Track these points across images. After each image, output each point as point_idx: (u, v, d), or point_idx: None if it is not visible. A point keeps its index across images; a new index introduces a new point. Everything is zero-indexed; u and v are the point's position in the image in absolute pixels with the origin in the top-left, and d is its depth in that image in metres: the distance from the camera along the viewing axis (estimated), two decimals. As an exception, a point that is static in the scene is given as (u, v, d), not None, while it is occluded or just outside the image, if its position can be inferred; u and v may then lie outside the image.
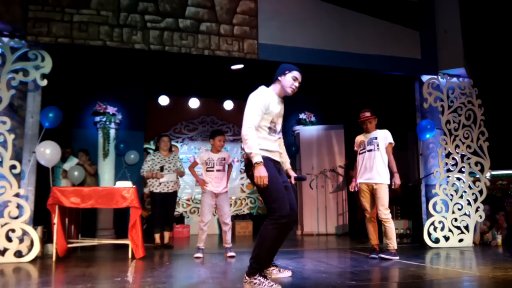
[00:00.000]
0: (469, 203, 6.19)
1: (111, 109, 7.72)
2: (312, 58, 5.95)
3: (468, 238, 6.12)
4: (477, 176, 6.35)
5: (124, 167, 7.94)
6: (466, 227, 6.14)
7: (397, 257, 4.79)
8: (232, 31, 5.66)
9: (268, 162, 3.28)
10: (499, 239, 6.30)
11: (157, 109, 9.04)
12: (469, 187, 6.24)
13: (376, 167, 5.02)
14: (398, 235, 6.55)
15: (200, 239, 5.17)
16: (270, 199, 3.23)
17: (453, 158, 6.24)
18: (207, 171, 5.26)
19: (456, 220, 6.12)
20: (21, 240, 4.83)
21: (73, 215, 5.76)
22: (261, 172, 3.14)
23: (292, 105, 8.02)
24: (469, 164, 6.28)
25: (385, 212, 4.92)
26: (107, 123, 7.66)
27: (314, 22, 6.05)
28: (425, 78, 6.46)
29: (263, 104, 3.33)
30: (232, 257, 5.05)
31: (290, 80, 3.47)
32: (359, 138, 5.35)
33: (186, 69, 7.94)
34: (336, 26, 6.14)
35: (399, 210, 6.82)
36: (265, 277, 3.14)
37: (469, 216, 6.16)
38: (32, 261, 4.76)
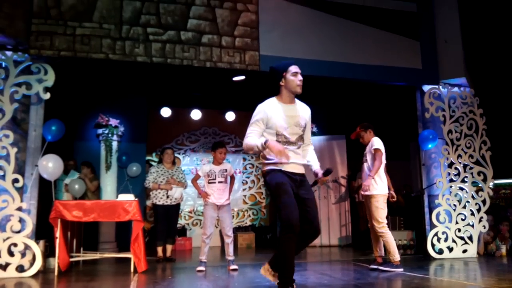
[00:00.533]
0: (472, 213, 6.15)
1: (113, 121, 7.74)
2: (313, 69, 5.97)
3: (472, 249, 6.08)
4: (480, 185, 6.32)
5: (127, 180, 7.93)
6: (470, 238, 6.10)
7: (401, 269, 4.69)
8: (233, 43, 5.69)
9: (277, 173, 3.22)
10: (503, 249, 6.25)
11: (159, 120, 9.06)
12: (472, 197, 6.21)
13: (364, 179, 4.98)
14: (401, 246, 6.52)
15: (202, 252, 5.13)
16: (278, 208, 3.21)
17: (456, 168, 6.22)
18: (209, 183, 5.25)
19: (459, 230, 6.08)
20: (23, 255, 4.80)
21: (75, 229, 5.74)
22: (275, 146, 3.07)
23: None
24: (471, 173, 6.26)
25: (378, 226, 4.80)
26: (110, 135, 7.67)
27: (314, 33, 6.08)
28: (426, 88, 6.47)
29: (260, 117, 3.26)
30: (234, 270, 5.01)
31: (292, 79, 3.32)
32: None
33: (188, 81, 7.98)
34: (336, 37, 6.17)
35: (402, 221, 6.79)
36: None
37: (472, 226, 6.12)
38: (34, 276, 4.73)
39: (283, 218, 3.15)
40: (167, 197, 6.15)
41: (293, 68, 3.35)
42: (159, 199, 6.14)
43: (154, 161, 9.11)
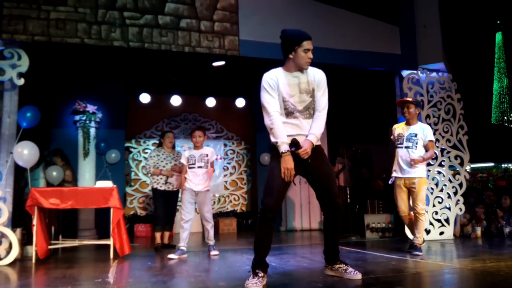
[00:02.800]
0: (449, 196, 6.28)
1: (91, 108, 7.60)
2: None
3: (449, 231, 6.21)
4: (457, 169, 6.45)
5: (105, 167, 7.84)
6: (447, 220, 6.23)
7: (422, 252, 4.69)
8: (212, 27, 5.62)
9: (277, 156, 3.19)
10: (478, 231, 6.41)
11: (138, 107, 8.94)
12: (449, 180, 6.33)
13: (405, 164, 4.91)
14: (380, 229, 6.65)
15: (181, 238, 5.03)
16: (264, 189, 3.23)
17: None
18: (189, 168, 5.19)
19: (436, 213, 6.20)
20: (-1, 243, 4.73)
21: (53, 216, 5.67)
22: (286, 164, 3.09)
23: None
24: (449, 157, 6.37)
25: (423, 207, 4.87)
26: (87, 122, 7.53)
27: (295, 18, 6.05)
28: (405, 73, 6.52)
29: (268, 84, 3.23)
30: (215, 255, 5.00)
31: (302, 55, 3.20)
32: (398, 130, 5.12)
33: (167, 66, 7.87)
34: (316, 22, 6.14)
35: (381, 204, 6.89)
36: (255, 274, 3.08)
37: (449, 209, 6.25)
38: (11, 264, 4.66)
39: (262, 201, 3.23)
40: (166, 183, 5.87)
41: (306, 44, 3.21)
42: (161, 184, 5.84)
43: (134, 148, 9.02)
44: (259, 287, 2.98)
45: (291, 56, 3.25)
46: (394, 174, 5.03)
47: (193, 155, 5.23)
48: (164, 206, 5.86)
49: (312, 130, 3.25)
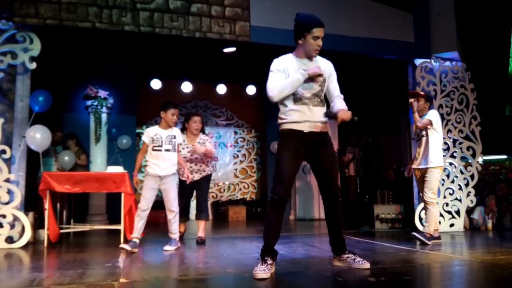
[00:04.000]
0: (460, 188, 6.22)
1: (102, 93, 7.63)
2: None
3: (459, 223, 6.16)
4: (469, 161, 6.37)
5: (117, 152, 7.89)
6: (457, 212, 6.18)
7: (430, 243, 4.69)
8: (223, 12, 5.57)
9: (288, 140, 3.20)
10: (489, 223, 6.35)
11: (149, 93, 8.96)
12: (461, 171, 6.26)
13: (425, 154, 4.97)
14: (390, 219, 6.62)
15: (135, 228, 4.49)
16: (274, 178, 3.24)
17: (445, 143, 6.24)
18: (154, 150, 4.51)
19: (447, 205, 6.16)
20: (12, 226, 4.80)
21: (64, 201, 5.73)
22: (312, 70, 3.11)
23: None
24: (461, 149, 6.30)
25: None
26: (99, 107, 7.57)
27: (306, 4, 5.94)
28: (418, 61, 6.43)
29: (276, 67, 3.24)
30: (167, 251, 4.36)
31: (311, 42, 3.17)
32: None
33: (178, 52, 7.86)
34: (328, 9, 6.06)
35: (391, 195, 6.85)
36: (264, 261, 3.08)
37: (460, 201, 6.19)
38: (24, 247, 4.74)
39: (272, 189, 3.23)
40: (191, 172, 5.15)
41: (316, 32, 3.15)
42: (180, 175, 5.17)
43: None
44: (267, 274, 2.98)
45: (300, 42, 3.24)
46: (412, 166, 5.16)
47: (159, 136, 4.55)
48: (184, 195, 5.21)
49: (338, 105, 3.30)
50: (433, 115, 4.94)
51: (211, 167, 5.36)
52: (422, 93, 5.11)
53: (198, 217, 5.23)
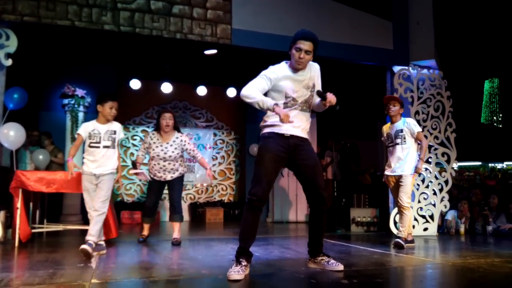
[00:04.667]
0: (434, 193, 6.33)
1: (80, 92, 7.53)
2: (286, 45, 5.85)
3: (433, 227, 6.27)
4: (444, 167, 6.50)
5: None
6: (431, 216, 6.29)
7: (405, 246, 4.74)
8: (205, 14, 5.57)
9: (268, 143, 3.23)
10: (462, 227, 6.48)
11: (128, 92, 8.87)
12: (435, 177, 6.38)
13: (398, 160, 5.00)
14: (365, 223, 6.70)
15: (91, 231, 4.00)
16: (252, 179, 3.24)
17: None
18: (91, 147, 4.09)
19: (421, 209, 6.26)
20: (-18, 225, 4.69)
21: (37, 200, 5.62)
22: (281, 110, 3.08)
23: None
24: (436, 154, 6.42)
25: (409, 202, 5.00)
26: (76, 106, 7.47)
27: (288, 9, 6.02)
28: (396, 68, 6.54)
29: (269, 74, 3.26)
30: (85, 251, 3.83)
31: (294, 53, 3.24)
32: (386, 130, 5.20)
33: (158, 52, 7.80)
34: (310, 14, 6.12)
35: (367, 198, 6.93)
36: (238, 262, 3.08)
37: (434, 205, 6.30)
38: (-6, 246, 4.64)
39: (249, 190, 3.24)
40: (160, 171, 5.09)
41: (298, 43, 3.22)
42: (153, 175, 5.12)
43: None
44: (241, 276, 2.98)
45: (289, 53, 3.32)
46: (386, 172, 5.13)
47: (97, 131, 4.12)
48: (154, 195, 5.18)
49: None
50: (417, 125, 5.03)
51: (185, 167, 5.27)
52: (397, 97, 5.17)
53: (172, 218, 5.12)
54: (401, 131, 4.98)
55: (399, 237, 4.87)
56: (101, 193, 4.07)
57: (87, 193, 4.14)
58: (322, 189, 3.33)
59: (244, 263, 3.10)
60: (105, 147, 4.11)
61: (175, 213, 5.09)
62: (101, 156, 4.10)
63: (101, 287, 2.78)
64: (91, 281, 2.90)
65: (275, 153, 3.22)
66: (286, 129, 3.24)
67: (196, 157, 5.17)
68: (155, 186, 5.15)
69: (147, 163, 5.24)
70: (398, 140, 4.98)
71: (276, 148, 3.23)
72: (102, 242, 4.26)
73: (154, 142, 4.98)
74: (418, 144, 5.02)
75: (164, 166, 5.03)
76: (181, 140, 5.06)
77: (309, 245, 3.44)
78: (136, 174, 5.21)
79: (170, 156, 4.99)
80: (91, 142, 4.10)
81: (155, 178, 5.09)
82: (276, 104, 3.13)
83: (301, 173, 3.34)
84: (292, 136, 3.26)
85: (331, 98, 3.23)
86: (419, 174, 6.22)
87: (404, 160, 4.92)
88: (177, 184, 5.13)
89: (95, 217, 4.02)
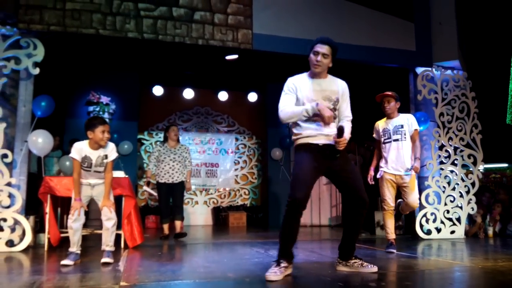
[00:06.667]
0: (461, 195, 6.22)
1: (104, 99, 7.67)
2: (306, 48, 5.87)
3: (460, 230, 6.15)
4: (470, 169, 6.38)
5: (118, 158, 7.89)
6: (458, 219, 6.17)
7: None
8: (226, 20, 5.62)
9: (305, 151, 3.25)
10: (490, 231, 6.33)
11: (151, 99, 9.01)
12: (462, 179, 6.27)
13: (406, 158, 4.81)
14: (390, 226, 6.59)
15: (72, 241, 4.00)
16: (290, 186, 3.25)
17: (446, 151, 6.25)
18: (82, 169, 4.00)
19: (448, 212, 6.15)
20: (12, 230, 4.81)
21: (65, 205, 5.73)
22: (324, 109, 3.13)
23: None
24: (462, 156, 6.31)
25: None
26: (101, 113, 7.61)
27: (308, 12, 6.02)
28: (419, 70, 6.47)
29: (289, 88, 3.30)
30: (106, 263, 3.89)
31: (311, 56, 3.30)
32: (381, 125, 5.01)
33: (180, 59, 7.90)
34: (330, 17, 6.11)
35: (392, 201, 6.83)
36: (278, 264, 3.12)
37: (461, 208, 6.19)
38: (24, 251, 4.75)
39: (289, 193, 3.22)
40: (165, 175, 6.05)
41: (316, 47, 3.28)
42: (161, 177, 6.04)
43: (146, 140, 9.09)
44: (278, 277, 3.00)
45: (309, 58, 3.33)
46: (383, 169, 4.89)
47: (88, 157, 3.98)
48: (166, 198, 6.08)
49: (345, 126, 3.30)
50: (415, 119, 4.90)
51: (185, 174, 6.23)
52: (390, 93, 4.89)
53: (177, 218, 6.07)
54: (402, 126, 4.79)
55: (392, 243, 4.73)
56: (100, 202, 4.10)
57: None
58: (363, 191, 3.32)
59: (284, 264, 3.13)
60: (96, 172, 4.01)
61: (178, 214, 6.08)
62: (93, 176, 4.05)
63: (129, 290, 2.81)
64: (120, 283, 2.94)
65: (313, 160, 3.23)
66: (319, 140, 3.26)
67: (187, 166, 6.22)
68: (164, 189, 6.07)
69: (156, 167, 6.15)
70: (397, 136, 4.78)
71: (314, 157, 3.24)
72: (79, 252, 4.07)
73: (164, 149, 6.15)
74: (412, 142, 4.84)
75: (173, 166, 6.07)
76: (185, 148, 6.30)
77: (342, 247, 3.43)
78: (149, 191, 6.29)
79: (179, 157, 6.12)
80: (82, 166, 3.97)
81: (163, 181, 6.04)
82: (317, 104, 3.17)
83: (340, 178, 3.33)
84: (327, 146, 3.26)
85: (343, 141, 3.19)
86: (445, 177, 6.16)
87: (405, 157, 4.75)
88: (180, 188, 6.13)
89: (110, 227, 4.08)
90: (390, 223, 4.88)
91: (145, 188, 6.24)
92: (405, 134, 4.78)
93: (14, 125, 5.05)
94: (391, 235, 4.82)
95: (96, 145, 3.99)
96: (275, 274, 3.02)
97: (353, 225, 3.39)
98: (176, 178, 6.07)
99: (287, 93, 3.32)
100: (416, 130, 4.86)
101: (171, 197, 6.13)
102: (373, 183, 4.98)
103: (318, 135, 3.25)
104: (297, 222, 3.25)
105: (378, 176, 4.98)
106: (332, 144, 3.24)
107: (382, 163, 4.94)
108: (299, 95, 3.29)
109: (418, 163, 4.85)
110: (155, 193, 6.21)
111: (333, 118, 3.19)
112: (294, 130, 3.36)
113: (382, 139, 4.93)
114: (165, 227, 6.09)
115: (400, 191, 4.90)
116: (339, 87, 3.40)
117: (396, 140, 4.80)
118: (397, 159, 4.78)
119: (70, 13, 5.10)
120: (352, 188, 3.31)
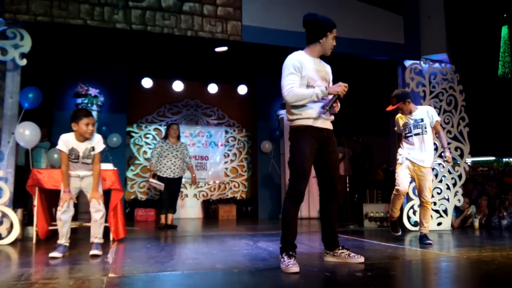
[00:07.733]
0: (448, 188, 6.29)
1: (93, 91, 7.62)
2: (296, 40, 5.86)
3: (447, 222, 6.24)
4: (457, 161, 6.45)
5: (107, 150, 7.86)
6: (445, 211, 6.25)
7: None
8: (215, 11, 5.59)
9: (305, 135, 3.23)
10: (476, 222, 6.43)
11: (140, 91, 8.96)
12: (449, 171, 6.34)
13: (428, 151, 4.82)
14: (378, 218, 6.68)
15: (61, 233, 3.99)
16: (290, 174, 3.27)
17: (434, 143, 6.29)
18: (71, 161, 3.97)
19: (435, 204, 6.22)
20: (0, 223, 4.77)
21: (54, 198, 5.70)
22: (334, 88, 3.21)
23: (277, 90, 8.02)
24: (449, 149, 6.36)
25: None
26: (89, 105, 7.55)
27: (298, 4, 6.00)
28: (407, 63, 6.50)
29: (292, 65, 3.26)
30: (95, 255, 3.89)
31: (331, 42, 3.35)
32: (402, 119, 4.97)
33: (170, 50, 7.86)
34: (320, 9, 6.00)
35: (380, 194, 6.91)
36: (289, 256, 3.14)
37: (448, 200, 6.27)
38: (12, 244, 4.72)
39: (290, 185, 3.26)
40: (167, 170, 6.52)
41: (335, 31, 3.37)
42: (163, 172, 6.50)
43: (135, 132, 9.05)
44: (298, 267, 3.02)
45: (321, 41, 3.34)
46: (404, 155, 4.86)
47: (75, 149, 3.94)
48: (168, 191, 6.46)
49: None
50: (434, 110, 4.91)
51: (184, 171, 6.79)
52: (395, 102, 4.84)
53: (170, 211, 6.58)
54: (422, 120, 4.78)
55: (425, 235, 4.73)
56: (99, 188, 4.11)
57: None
58: (337, 183, 3.43)
59: (294, 254, 3.17)
60: (84, 163, 3.99)
61: (172, 207, 6.60)
62: (82, 168, 4.02)
63: (118, 281, 2.82)
64: (108, 275, 2.94)
65: (312, 145, 3.24)
66: (320, 123, 3.28)
67: (187, 162, 6.73)
68: (165, 183, 6.41)
69: (158, 162, 6.54)
70: (418, 130, 4.79)
71: (312, 141, 3.25)
72: (68, 244, 4.06)
73: (166, 145, 6.58)
74: (436, 134, 4.94)
75: (174, 162, 6.55)
76: (185, 145, 6.80)
77: (325, 238, 3.47)
78: (155, 184, 6.40)
79: (180, 153, 6.61)
80: (69, 158, 3.94)
81: (164, 175, 6.47)
82: (326, 88, 3.23)
83: (325, 164, 3.37)
84: (325, 129, 3.31)
85: (343, 89, 3.25)
86: (432, 169, 6.22)
87: (427, 151, 4.77)
88: (178, 183, 6.71)
89: (99, 218, 4.11)
90: (396, 204, 4.95)
91: (151, 180, 6.43)
92: (425, 128, 4.79)
93: (1, 117, 5.00)
94: (396, 213, 5.00)
95: (82, 137, 3.94)
96: (295, 265, 3.03)
97: (329, 213, 3.45)
98: (176, 173, 6.58)
99: (292, 72, 3.25)
100: (437, 121, 4.86)
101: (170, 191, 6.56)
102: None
103: (318, 117, 3.27)
104: (297, 213, 3.32)
105: (399, 162, 4.92)
106: (327, 128, 3.33)
107: (401, 151, 4.94)
108: (303, 73, 3.26)
109: (449, 152, 4.95)
110: (162, 184, 6.40)
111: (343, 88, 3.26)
112: (293, 110, 3.31)
113: (403, 134, 4.95)
114: (163, 217, 6.53)
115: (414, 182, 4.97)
116: (328, 68, 3.51)
117: (417, 134, 4.81)
118: (420, 152, 4.80)
119: (58, 3, 5.03)
120: (330, 178, 3.39)
